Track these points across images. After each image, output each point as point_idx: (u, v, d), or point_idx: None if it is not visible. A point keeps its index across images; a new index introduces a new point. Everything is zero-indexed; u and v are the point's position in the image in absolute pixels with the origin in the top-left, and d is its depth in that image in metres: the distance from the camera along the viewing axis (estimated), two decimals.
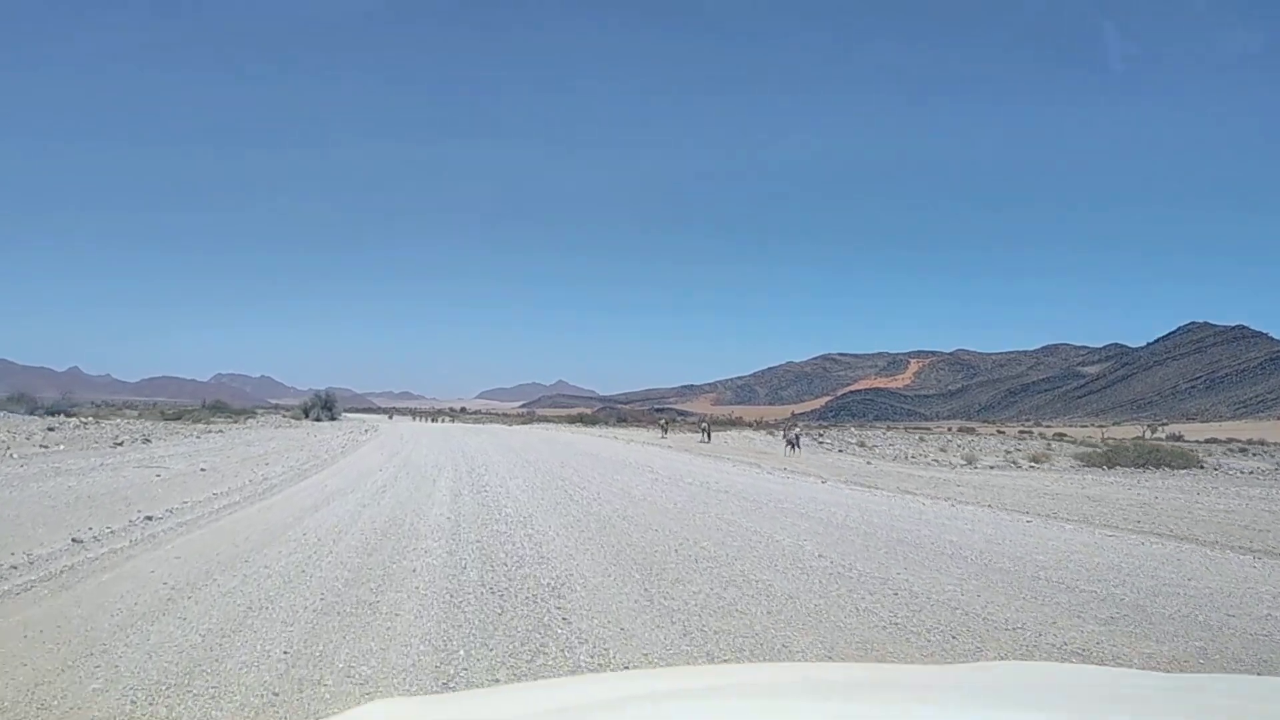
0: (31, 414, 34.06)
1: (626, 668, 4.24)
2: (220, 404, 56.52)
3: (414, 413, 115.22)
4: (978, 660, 4.26)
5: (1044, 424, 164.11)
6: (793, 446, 29.85)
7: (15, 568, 6.14)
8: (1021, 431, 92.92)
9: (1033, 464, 27.48)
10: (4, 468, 13.27)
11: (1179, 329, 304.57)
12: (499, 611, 5.21)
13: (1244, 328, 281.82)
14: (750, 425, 64.27)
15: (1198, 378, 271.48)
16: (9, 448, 17.30)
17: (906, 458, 29.50)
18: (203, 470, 14.23)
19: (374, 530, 8.37)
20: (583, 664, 4.25)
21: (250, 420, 44.55)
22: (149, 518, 8.63)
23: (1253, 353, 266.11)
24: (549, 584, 6.00)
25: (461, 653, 4.35)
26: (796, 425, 43.09)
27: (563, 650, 4.45)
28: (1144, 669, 4.21)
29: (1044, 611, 5.34)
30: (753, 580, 6.18)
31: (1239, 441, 66.48)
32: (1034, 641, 4.74)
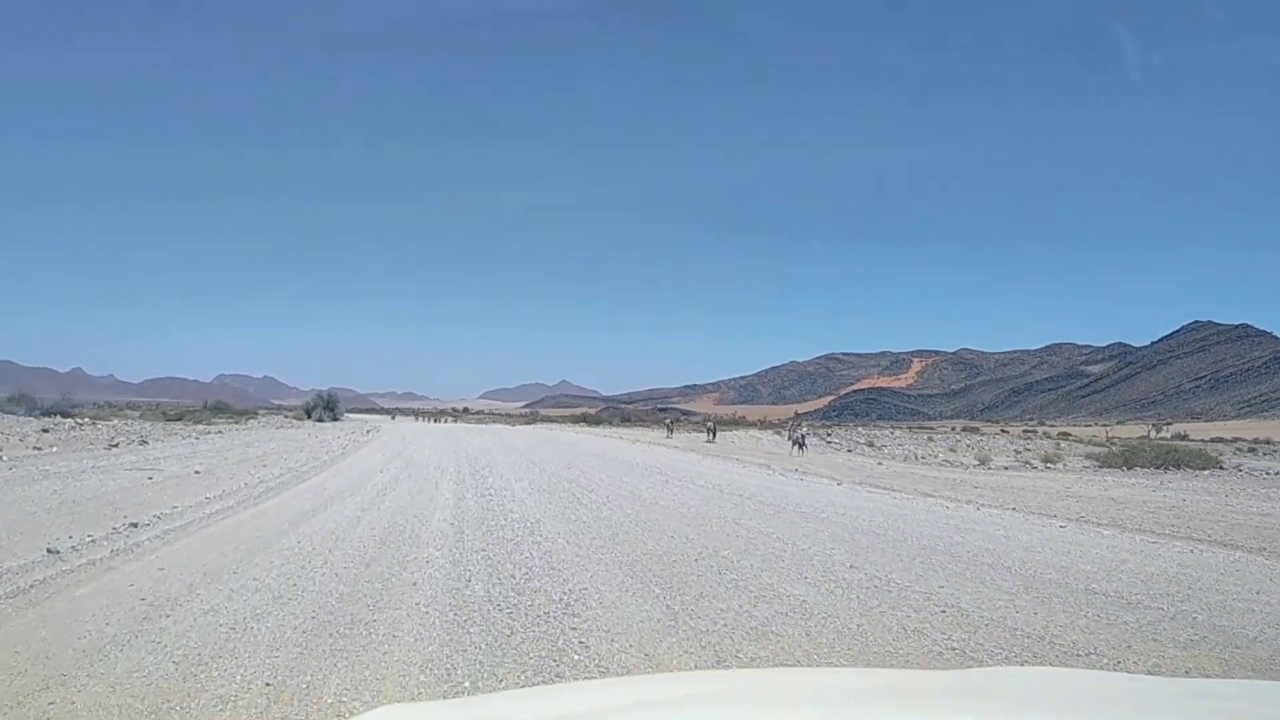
0: (30, 415, 33.62)
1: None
2: (222, 405, 56.07)
3: (417, 413, 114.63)
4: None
5: (1047, 424, 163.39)
6: (799, 446, 29.37)
7: None
8: (1025, 431, 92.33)
9: (1046, 465, 26.95)
10: None
11: (1182, 328, 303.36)
12: (508, 633, 4.71)
13: (1248, 326, 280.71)
14: (754, 425, 63.74)
15: (1201, 377, 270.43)
16: (0, 450, 16.82)
17: (917, 458, 28.98)
18: (197, 473, 13.74)
19: (372, 537, 7.88)
20: None
21: (251, 421, 44.10)
22: (134, 524, 8.13)
23: (1256, 352, 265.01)
24: (561, 599, 5.50)
25: (467, 684, 3.85)
26: (802, 425, 42.59)
27: (582, 680, 3.94)
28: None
29: (1114, 634, 4.80)
30: (784, 595, 5.67)
31: (1245, 441, 65.96)
32: (1114, 671, 4.22)
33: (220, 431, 29.68)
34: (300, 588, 5.71)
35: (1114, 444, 38.77)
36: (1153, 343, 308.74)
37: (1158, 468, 22.51)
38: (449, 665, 4.12)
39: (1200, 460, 23.41)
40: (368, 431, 36.68)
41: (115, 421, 34.07)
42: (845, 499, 13.07)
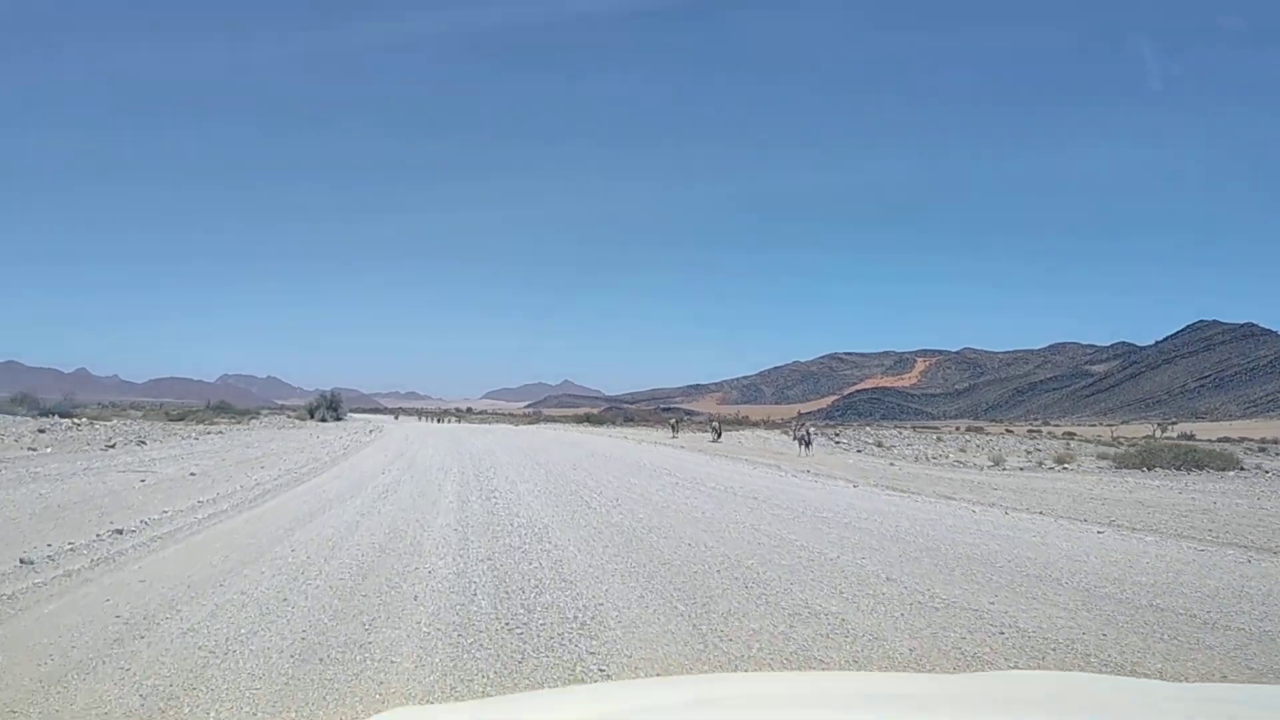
0: (29, 415, 33.19)
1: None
2: (225, 404, 55.66)
3: (420, 413, 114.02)
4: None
5: (1052, 423, 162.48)
6: (804, 446, 28.89)
7: None
8: (1030, 431, 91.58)
9: (1061, 465, 26.40)
10: None
11: (1187, 327, 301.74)
12: (518, 657, 4.22)
13: (1253, 325, 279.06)
14: (758, 424, 63.19)
15: (1206, 376, 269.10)
16: None
17: (927, 459, 28.43)
18: (192, 474, 13.29)
19: (372, 545, 7.41)
20: None
21: (253, 421, 43.71)
22: (119, 531, 7.66)
23: (1262, 351, 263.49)
24: (576, 617, 5.00)
25: None
26: (806, 424, 42.14)
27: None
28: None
29: (1199, 659, 4.29)
30: (820, 614, 5.16)
31: (1253, 440, 65.27)
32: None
33: (221, 432, 29.27)
34: (291, 603, 5.23)
35: (1120, 444, 38.22)
36: (1157, 342, 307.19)
37: (1177, 469, 21.96)
38: (452, 698, 3.63)
39: (1221, 461, 22.83)
40: (370, 432, 36.24)
41: (115, 422, 33.61)
42: (864, 502, 12.57)
